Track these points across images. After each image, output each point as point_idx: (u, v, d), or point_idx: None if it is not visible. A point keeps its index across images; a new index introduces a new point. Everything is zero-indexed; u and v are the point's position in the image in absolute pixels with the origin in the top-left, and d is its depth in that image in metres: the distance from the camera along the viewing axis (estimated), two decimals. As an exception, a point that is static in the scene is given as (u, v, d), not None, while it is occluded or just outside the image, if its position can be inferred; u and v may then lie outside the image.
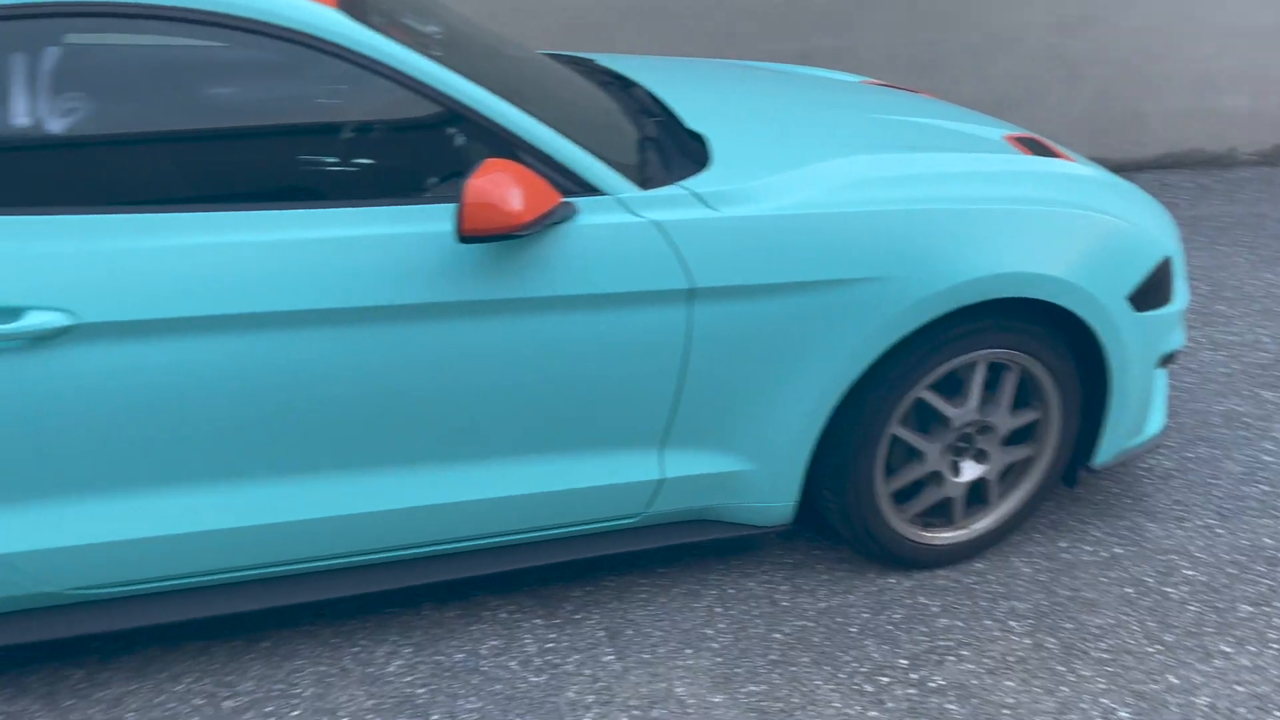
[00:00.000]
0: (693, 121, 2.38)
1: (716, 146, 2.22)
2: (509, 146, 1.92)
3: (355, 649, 2.20)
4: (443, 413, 1.96)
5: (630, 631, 2.26)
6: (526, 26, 4.53)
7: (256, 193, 1.86)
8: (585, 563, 2.48)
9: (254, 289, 1.77)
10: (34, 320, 1.68)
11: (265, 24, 1.78)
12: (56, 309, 1.69)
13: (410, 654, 2.19)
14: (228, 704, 2.06)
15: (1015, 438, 2.45)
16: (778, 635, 2.26)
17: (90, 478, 1.82)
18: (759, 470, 2.20)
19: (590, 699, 2.08)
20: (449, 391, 1.94)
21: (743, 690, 2.11)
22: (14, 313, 1.68)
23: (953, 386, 2.30)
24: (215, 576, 2.00)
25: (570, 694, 2.09)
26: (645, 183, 2.03)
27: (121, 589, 1.95)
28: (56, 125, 1.73)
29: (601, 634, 2.25)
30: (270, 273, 1.78)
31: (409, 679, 2.12)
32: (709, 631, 2.27)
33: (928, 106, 2.87)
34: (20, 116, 1.71)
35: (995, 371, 2.34)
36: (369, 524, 2.02)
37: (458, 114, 1.90)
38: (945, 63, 5.13)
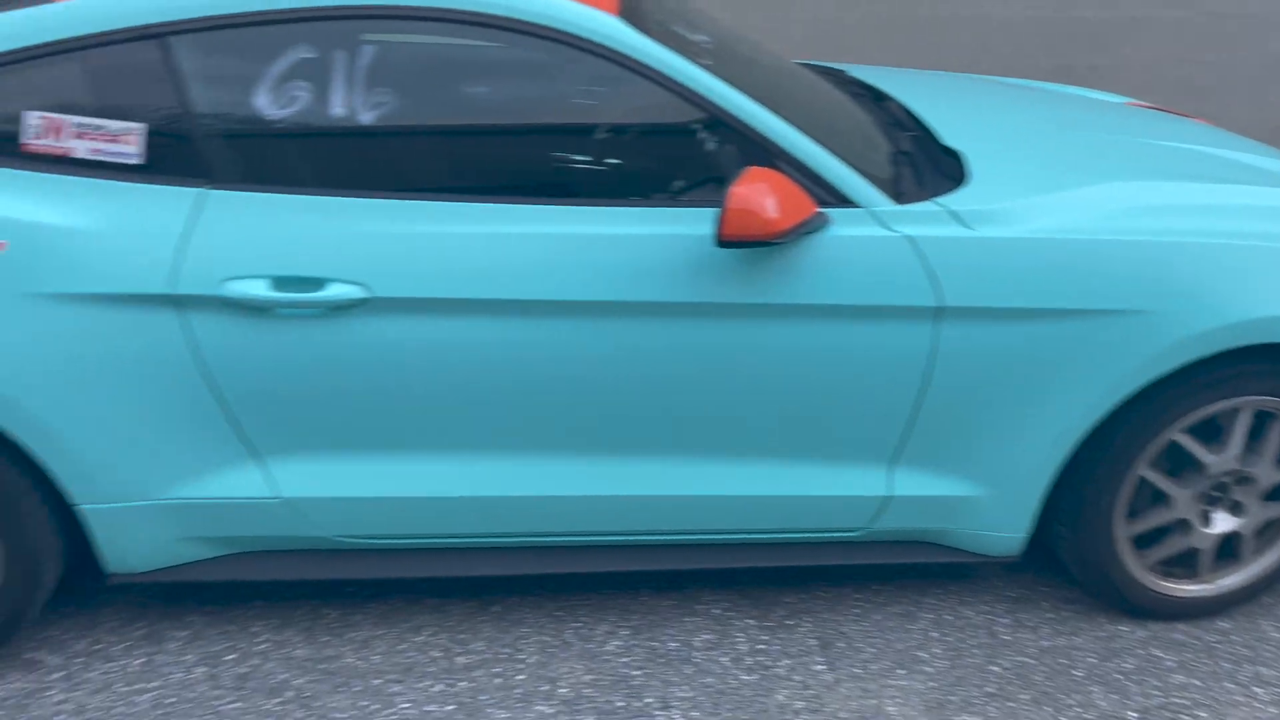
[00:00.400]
0: (949, 138, 2.35)
1: (974, 164, 2.19)
2: (769, 155, 1.97)
3: (577, 624, 2.31)
4: (684, 407, 2.03)
5: (842, 644, 2.26)
6: (772, 35, 4.58)
7: (533, 187, 1.99)
8: (800, 570, 2.49)
9: (526, 277, 1.90)
10: (334, 291, 1.87)
11: (560, 31, 1.91)
12: (354, 282, 1.87)
13: (627, 636, 2.28)
14: (460, 659, 2.21)
15: (1278, 493, 2.28)
16: (995, 668, 2.20)
17: (369, 437, 2.01)
18: (992, 498, 2.15)
19: (800, 705, 2.10)
20: (692, 387, 2.00)
21: (956, 718, 2.07)
22: (317, 283, 1.87)
23: (1212, 432, 2.17)
24: (464, 539, 2.16)
25: (780, 697, 2.12)
26: (899, 197, 2.03)
27: (382, 541, 2.14)
28: (366, 117, 1.91)
29: (813, 642, 2.27)
30: (542, 263, 1.91)
31: (625, 660, 2.21)
32: (923, 655, 2.24)
33: (1199, 133, 2.71)
34: (336, 108, 1.90)
35: (1261, 421, 2.18)
36: (604, 506, 2.11)
37: (722, 121, 1.96)
38: (1218, 86, 4.79)
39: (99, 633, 2.23)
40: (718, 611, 2.35)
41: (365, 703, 2.09)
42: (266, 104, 1.88)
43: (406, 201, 1.92)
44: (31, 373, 1.83)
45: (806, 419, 2.06)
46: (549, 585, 2.44)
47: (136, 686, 2.10)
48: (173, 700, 2.07)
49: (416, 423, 2.00)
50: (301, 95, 1.89)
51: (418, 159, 1.97)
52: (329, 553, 2.16)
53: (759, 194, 1.82)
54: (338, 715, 2.05)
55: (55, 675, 2.11)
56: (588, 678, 2.16)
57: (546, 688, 2.13)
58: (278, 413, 1.96)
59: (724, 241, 1.83)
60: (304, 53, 1.89)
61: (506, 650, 2.24)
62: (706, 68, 1.99)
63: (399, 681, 2.14)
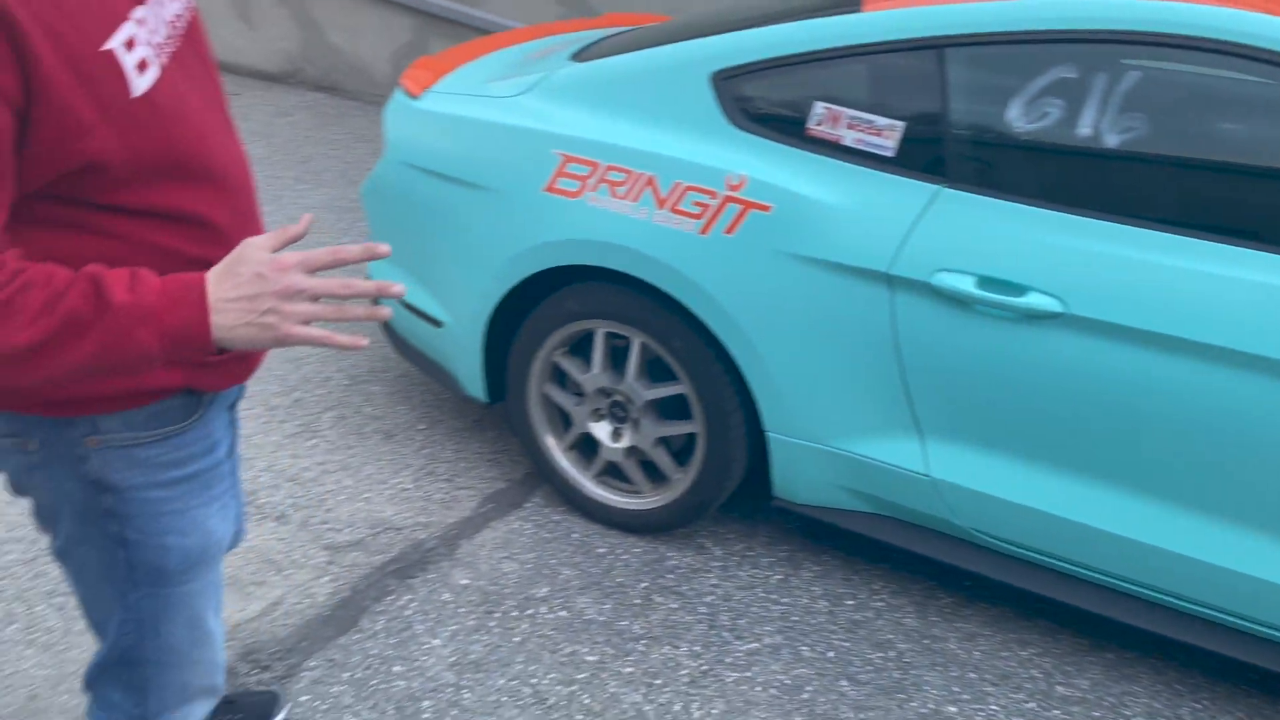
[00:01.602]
0: None
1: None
2: None
3: (1196, 705, 2.14)
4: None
5: None
6: None
7: (1245, 229, 1.84)
8: None
9: (1246, 327, 1.79)
10: (1032, 300, 1.95)
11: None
12: (1053, 295, 1.93)
13: (1254, 740, 2.05)
14: (1059, 689, 2.19)
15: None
16: None
17: (1026, 445, 2.07)
18: None
19: None
20: None
21: None
22: (1019, 289, 1.96)
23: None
24: (1096, 573, 2.12)
25: None
26: None
27: (1011, 547, 2.20)
28: (1110, 140, 1.94)
29: None
30: (1243, 310, 1.78)
31: (1245, 763, 2.00)
32: None
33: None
34: (1083, 128, 1.96)
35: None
36: (1270, 593, 1.92)
37: None
38: None
39: (753, 543, 2.63)
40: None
41: (958, 690, 2.18)
42: (1017, 116, 2.00)
43: (1124, 227, 1.91)
44: (765, 316, 2.21)
45: None
46: (1172, 653, 2.28)
47: (772, 597, 2.45)
48: (796, 619, 2.38)
49: (1079, 444, 2.01)
50: (1053, 112, 1.97)
51: (1150, 187, 1.94)
52: (958, 541, 2.28)
53: None
54: (930, 689, 2.18)
55: (715, 564, 2.55)
56: (1195, 763, 2.00)
57: (1145, 753, 2.02)
58: (948, 398, 2.12)
59: None
60: (1065, 72, 1.97)
61: (1111, 700, 2.16)
62: None
63: (994, 685, 2.20)
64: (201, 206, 1.22)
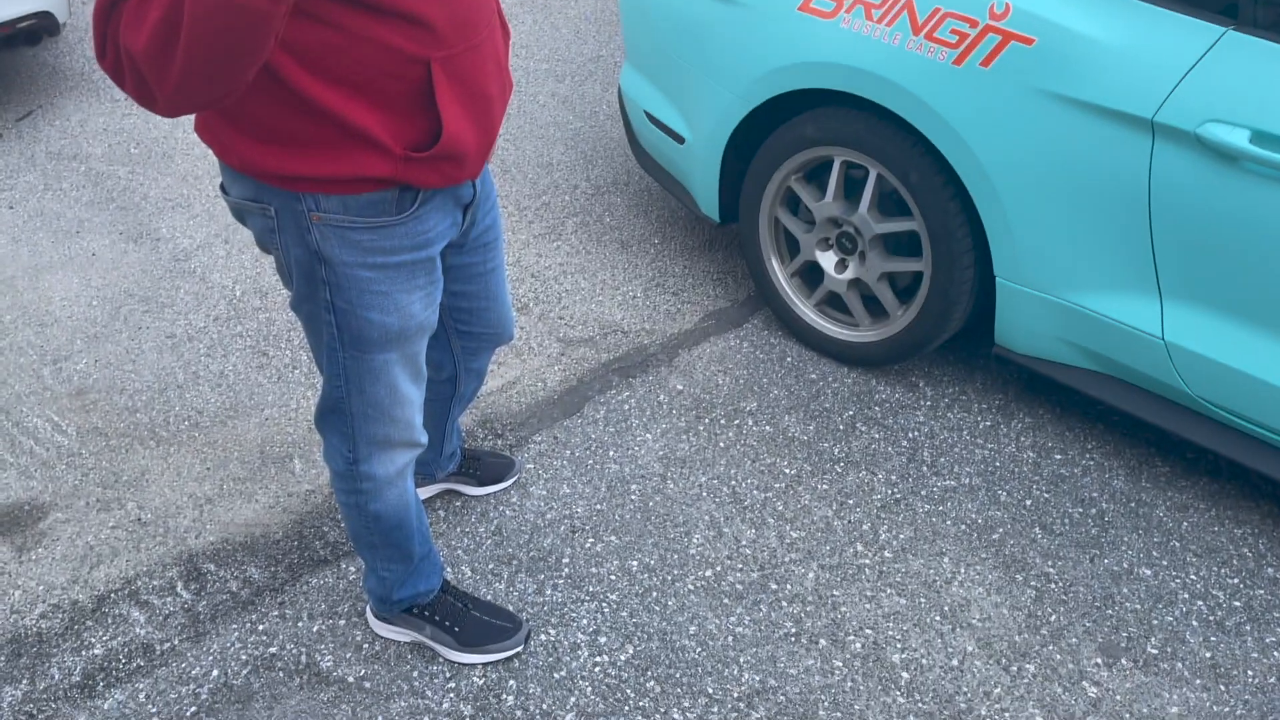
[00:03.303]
0: None
1: None
2: None
3: None
4: None
5: None
6: None
7: None
8: None
9: None
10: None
11: None
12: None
13: None
14: (1270, 571, 2.12)
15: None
16: None
17: (1275, 316, 1.94)
18: None
19: None
20: None
21: None
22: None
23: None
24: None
25: None
26: None
27: (1241, 422, 2.10)
28: None
29: None
30: None
31: None
32: None
33: None
34: None
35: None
36: None
37: None
38: None
39: (966, 387, 2.63)
40: None
41: (1157, 555, 2.16)
42: (1333, -49, 1.79)
43: None
44: (1010, 156, 2.14)
45: None
46: None
47: (977, 441, 2.46)
48: (999, 465, 2.39)
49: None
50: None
51: None
52: (1184, 410, 2.20)
53: None
54: (1127, 549, 2.17)
55: (924, 403, 2.58)
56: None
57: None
58: (1197, 260, 2.00)
59: None
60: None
61: (1325, 591, 2.07)
62: None
63: (1198, 556, 2.15)
64: (420, 7, 1.29)
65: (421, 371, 1.67)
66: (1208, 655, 1.96)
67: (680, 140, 2.80)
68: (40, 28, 3.73)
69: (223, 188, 1.51)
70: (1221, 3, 1.92)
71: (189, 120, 3.82)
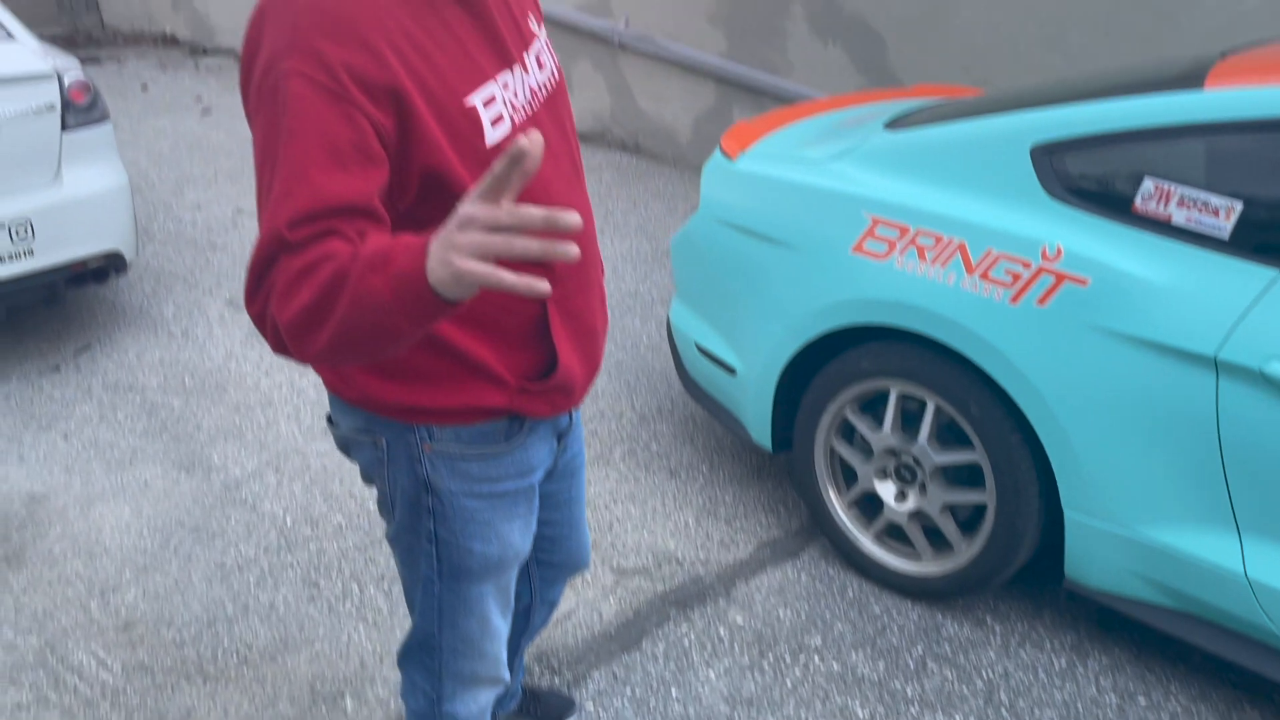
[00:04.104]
0: None
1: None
2: None
3: None
4: None
5: None
6: None
7: None
8: None
9: None
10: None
11: None
12: None
13: None
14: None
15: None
16: None
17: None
18: None
19: None
20: None
21: None
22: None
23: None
24: None
25: None
26: None
27: (1337, 663, 2.02)
28: None
29: None
30: None
31: None
32: None
33: None
34: None
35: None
36: None
37: None
38: None
39: (1036, 623, 2.55)
40: None
41: (1264, 810, 2.02)
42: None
43: None
44: (1073, 390, 2.17)
45: None
46: None
47: (1055, 682, 2.36)
48: (1080, 709, 2.28)
49: None
50: None
51: None
52: (1272, 650, 2.12)
53: None
54: (1231, 805, 2.03)
55: (995, 639, 2.50)
56: None
57: None
58: (1272, 494, 1.99)
59: None
60: None
61: None
62: None
63: (1308, 812, 2.02)
64: None
65: (510, 604, 1.64)
66: None
67: (731, 371, 2.86)
68: (109, 266, 3.91)
69: (330, 419, 1.54)
70: (1274, 248, 2.00)
71: (242, 353, 3.93)
